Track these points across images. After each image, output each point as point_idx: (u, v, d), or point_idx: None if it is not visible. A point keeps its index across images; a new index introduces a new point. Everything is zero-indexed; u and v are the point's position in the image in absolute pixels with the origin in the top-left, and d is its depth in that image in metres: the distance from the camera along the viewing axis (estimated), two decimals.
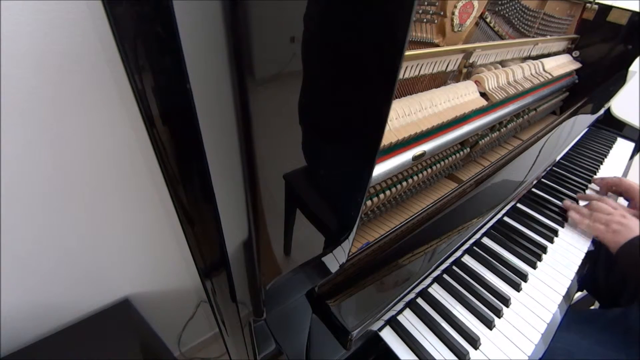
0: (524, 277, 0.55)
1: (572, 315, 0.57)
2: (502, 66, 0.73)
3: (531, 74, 0.79)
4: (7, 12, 0.40)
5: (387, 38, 0.21)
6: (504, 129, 0.74)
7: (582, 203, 0.73)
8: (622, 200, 0.78)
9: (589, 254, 0.62)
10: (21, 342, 0.62)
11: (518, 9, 0.74)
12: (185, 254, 0.68)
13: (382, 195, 0.49)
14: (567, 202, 0.71)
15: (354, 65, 0.22)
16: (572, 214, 0.68)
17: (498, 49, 0.69)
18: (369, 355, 0.46)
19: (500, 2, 0.68)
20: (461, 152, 0.63)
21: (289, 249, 0.28)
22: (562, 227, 0.67)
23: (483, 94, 0.62)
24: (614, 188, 0.77)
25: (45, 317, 0.64)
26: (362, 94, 0.23)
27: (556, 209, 0.71)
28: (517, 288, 0.53)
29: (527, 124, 0.91)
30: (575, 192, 0.79)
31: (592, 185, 0.82)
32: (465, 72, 0.64)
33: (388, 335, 0.45)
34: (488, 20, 0.66)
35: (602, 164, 0.94)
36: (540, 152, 0.72)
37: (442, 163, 0.59)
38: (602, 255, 0.75)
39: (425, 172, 0.56)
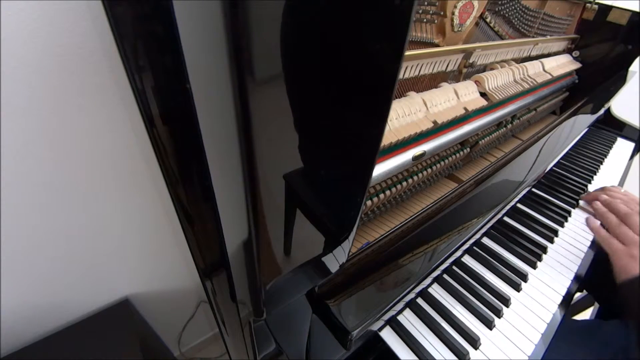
0: (524, 277, 0.55)
1: (566, 326, 0.54)
2: (502, 66, 0.73)
3: (531, 74, 0.79)
4: (7, 12, 0.40)
5: (386, 38, 0.21)
6: (504, 128, 0.74)
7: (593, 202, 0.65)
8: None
9: (589, 254, 0.62)
10: (21, 342, 0.62)
11: (518, 9, 0.74)
12: (185, 254, 0.68)
13: (382, 195, 0.49)
14: (598, 204, 0.62)
15: (354, 65, 0.22)
16: (591, 222, 0.60)
17: (498, 49, 0.69)
18: (369, 355, 0.46)
19: (500, 2, 0.68)
20: (461, 152, 0.63)
21: (289, 249, 0.28)
22: (562, 227, 0.67)
23: (483, 94, 0.62)
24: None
25: (45, 317, 0.64)
26: (362, 94, 0.23)
27: (556, 209, 0.71)
28: (517, 288, 0.53)
29: (527, 124, 0.91)
30: (575, 192, 0.78)
31: (583, 202, 0.75)
32: (465, 72, 0.64)
33: (388, 335, 0.45)
34: (488, 20, 0.66)
35: (602, 164, 0.94)
36: (540, 152, 0.72)
37: (442, 163, 0.59)
38: (603, 255, 0.75)
39: (425, 172, 0.56)
